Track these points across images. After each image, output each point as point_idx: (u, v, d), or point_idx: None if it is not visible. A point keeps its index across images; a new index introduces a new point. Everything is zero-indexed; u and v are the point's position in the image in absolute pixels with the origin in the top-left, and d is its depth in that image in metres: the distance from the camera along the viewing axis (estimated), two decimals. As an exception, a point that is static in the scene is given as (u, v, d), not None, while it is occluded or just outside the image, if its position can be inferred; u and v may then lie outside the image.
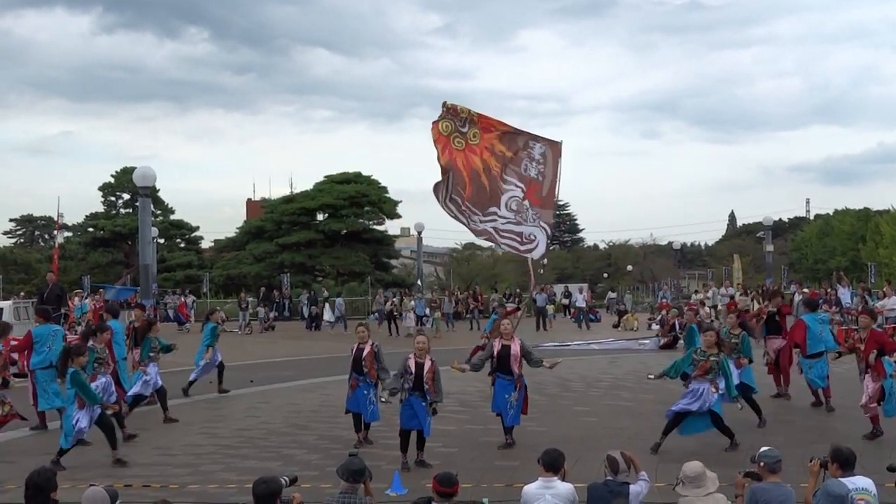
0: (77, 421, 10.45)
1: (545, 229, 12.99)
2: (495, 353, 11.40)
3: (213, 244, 67.95)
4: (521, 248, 13.11)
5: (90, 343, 11.76)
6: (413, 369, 10.37)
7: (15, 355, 14.23)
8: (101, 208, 61.93)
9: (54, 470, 6.09)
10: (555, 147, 13.07)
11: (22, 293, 35.45)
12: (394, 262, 62.99)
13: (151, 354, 13.72)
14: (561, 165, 13.07)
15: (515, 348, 11.35)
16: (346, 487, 6.54)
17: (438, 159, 12.83)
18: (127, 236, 56.83)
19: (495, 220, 12.91)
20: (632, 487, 6.73)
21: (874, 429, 11.07)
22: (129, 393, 13.52)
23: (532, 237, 12.98)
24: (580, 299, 39.19)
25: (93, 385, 10.98)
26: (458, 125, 12.88)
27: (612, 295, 52.13)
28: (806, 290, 33.18)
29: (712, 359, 10.75)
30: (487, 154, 12.99)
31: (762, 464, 6.53)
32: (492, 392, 11.62)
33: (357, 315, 46.50)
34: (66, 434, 10.53)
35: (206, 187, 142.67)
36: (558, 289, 50.22)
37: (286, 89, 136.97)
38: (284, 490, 6.09)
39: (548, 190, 13.08)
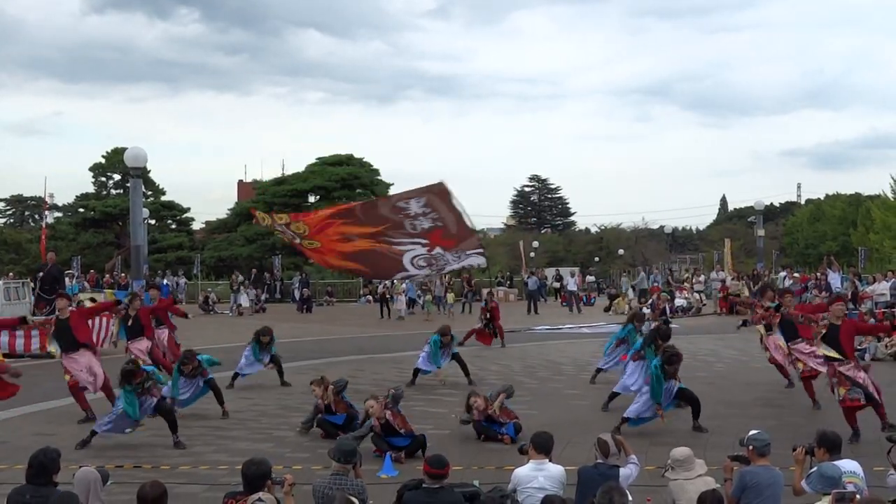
0: None
1: (475, 254, 13.00)
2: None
3: (204, 225, 67.75)
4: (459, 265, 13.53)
5: None
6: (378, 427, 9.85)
7: None
8: (91, 189, 61.66)
9: (58, 451, 6.09)
10: (436, 189, 12.54)
11: (11, 273, 35.22)
12: (386, 244, 62.93)
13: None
14: (455, 200, 12.51)
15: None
16: (338, 468, 6.56)
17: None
18: (118, 217, 56.59)
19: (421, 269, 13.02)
20: (622, 470, 6.77)
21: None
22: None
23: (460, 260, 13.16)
24: (571, 283, 39.36)
25: None
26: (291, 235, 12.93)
27: (590, 279, 52.28)
28: (797, 274, 33.32)
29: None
30: (361, 239, 12.74)
31: (751, 447, 6.56)
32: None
33: (349, 297, 46.48)
34: None
35: (198, 168, 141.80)
36: (550, 272, 50.29)
37: (278, 71, 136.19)
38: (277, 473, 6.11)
39: (456, 226, 12.69)
